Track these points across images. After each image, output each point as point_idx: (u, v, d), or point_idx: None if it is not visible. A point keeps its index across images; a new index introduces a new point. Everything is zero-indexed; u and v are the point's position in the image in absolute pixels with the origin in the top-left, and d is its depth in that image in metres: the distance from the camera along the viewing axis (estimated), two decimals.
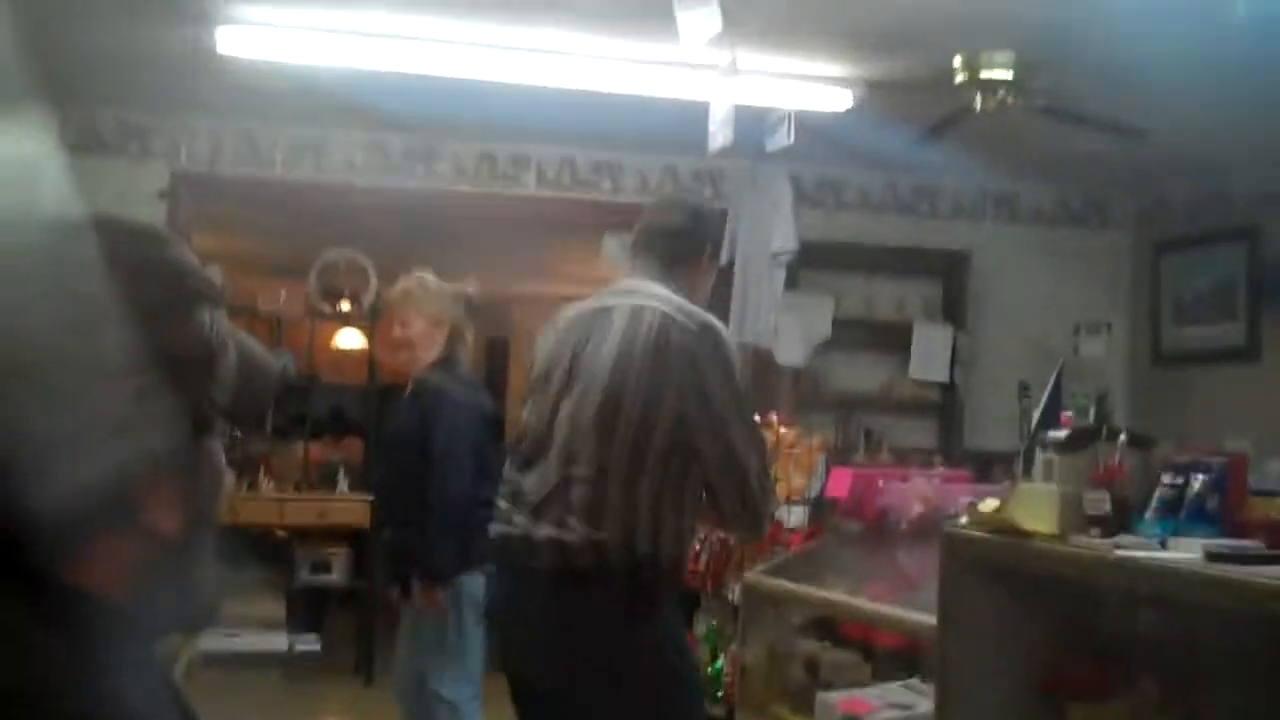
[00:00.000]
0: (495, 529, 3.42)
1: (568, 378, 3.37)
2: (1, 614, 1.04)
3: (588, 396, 3.30)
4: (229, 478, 1.31)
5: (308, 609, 8.55)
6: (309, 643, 8.28)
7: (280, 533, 8.48)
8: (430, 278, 5.13)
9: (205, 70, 5.85)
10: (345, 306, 8.92)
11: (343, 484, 8.73)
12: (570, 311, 3.53)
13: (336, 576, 8.53)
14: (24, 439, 1.03)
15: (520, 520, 3.32)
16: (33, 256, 1.09)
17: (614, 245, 7.69)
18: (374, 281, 8.58)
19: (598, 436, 3.27)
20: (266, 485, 8.45)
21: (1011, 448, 7.37)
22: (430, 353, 5.06)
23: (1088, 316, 7.89)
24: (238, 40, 5.34)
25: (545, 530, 3.26)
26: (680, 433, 3.25)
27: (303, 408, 8.93)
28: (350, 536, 8.50)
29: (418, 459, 4.86)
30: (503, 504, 3.42)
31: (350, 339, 11.45)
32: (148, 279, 1.14)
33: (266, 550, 8.21)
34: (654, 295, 3.38)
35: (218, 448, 1.23)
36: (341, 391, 10.92)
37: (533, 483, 3.35)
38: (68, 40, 5.62)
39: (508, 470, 3.48)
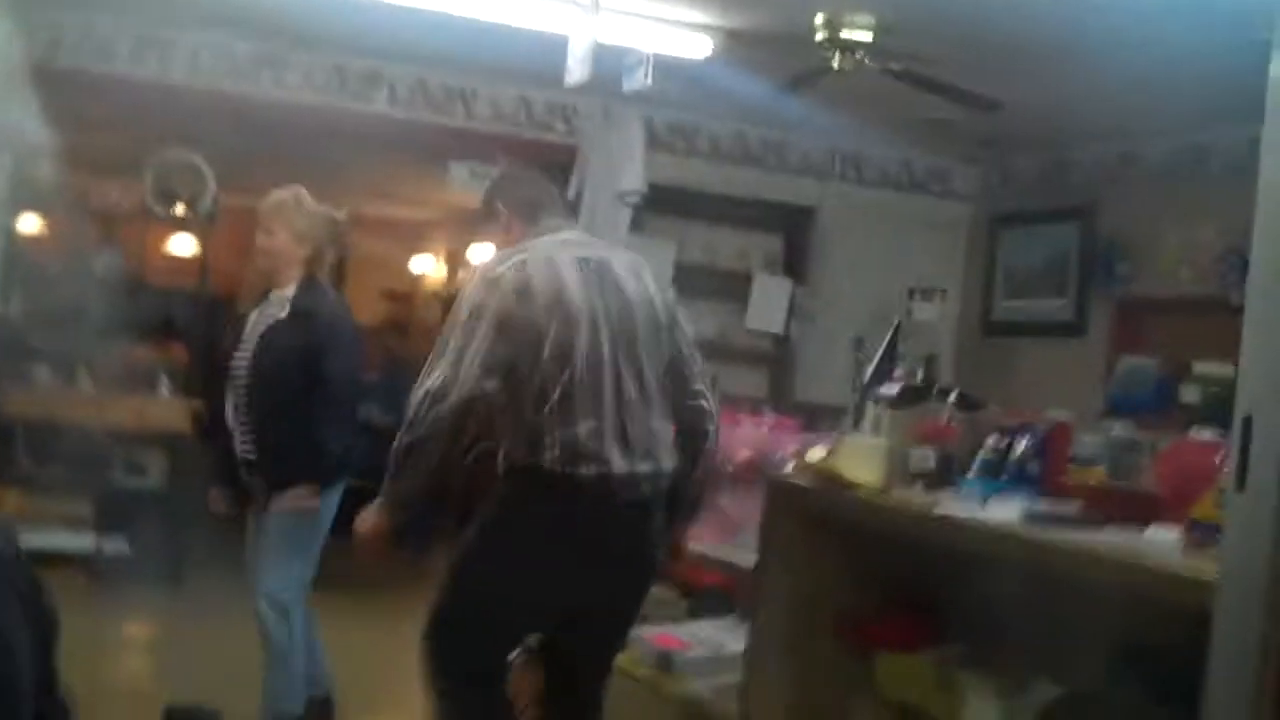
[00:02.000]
0: (590, 469, 3.54)
1: (601, 324, 3.64)
2: None
3: (632, 340, 3.68)
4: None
5: (119, 511, 8.35)
6: (118, 544, 8.10)
7: (95, 433, 8.28)
8: (305, 195, 5.08)
9: None
10: (179, 210, 8.70)
11: (164, 388, 8.56)
12: (559, 263, 3.68)
13: (152, 480, 8.36)
14: None
15: (617, 458, 3.55)
16: None
17: (463, 172, 7.63)
18: (212, 186, 8.39)
19: (646, 375, 3.69)
20: (85, 384, 8.25)
21: (840, 402, 7.49)
22: (291, 269, 5.01)
23: (924, 281, 8.02)
24: None
25: (643, 465, 3.59)
26: (675, 363, 3.79)
27: (127, 308, 8.71)
28: (168, 440, 8.33)
29: (301, 376, 4.87)
30: (589, 443, 3.55)
31: (183, 244, 11.20)
32: None
33: (79, 449, 8.00)
34: (612, 245, 3.99)
35: None
36: (170, 295, 10.68)
37: (607, 421, 3.58)
38: None
39: (563, 409, 3.57)
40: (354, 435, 5.05)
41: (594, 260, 3.74)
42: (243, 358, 4.98)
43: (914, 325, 7.38)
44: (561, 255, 3.70)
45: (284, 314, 4.99)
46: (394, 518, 3.70)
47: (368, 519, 3.74)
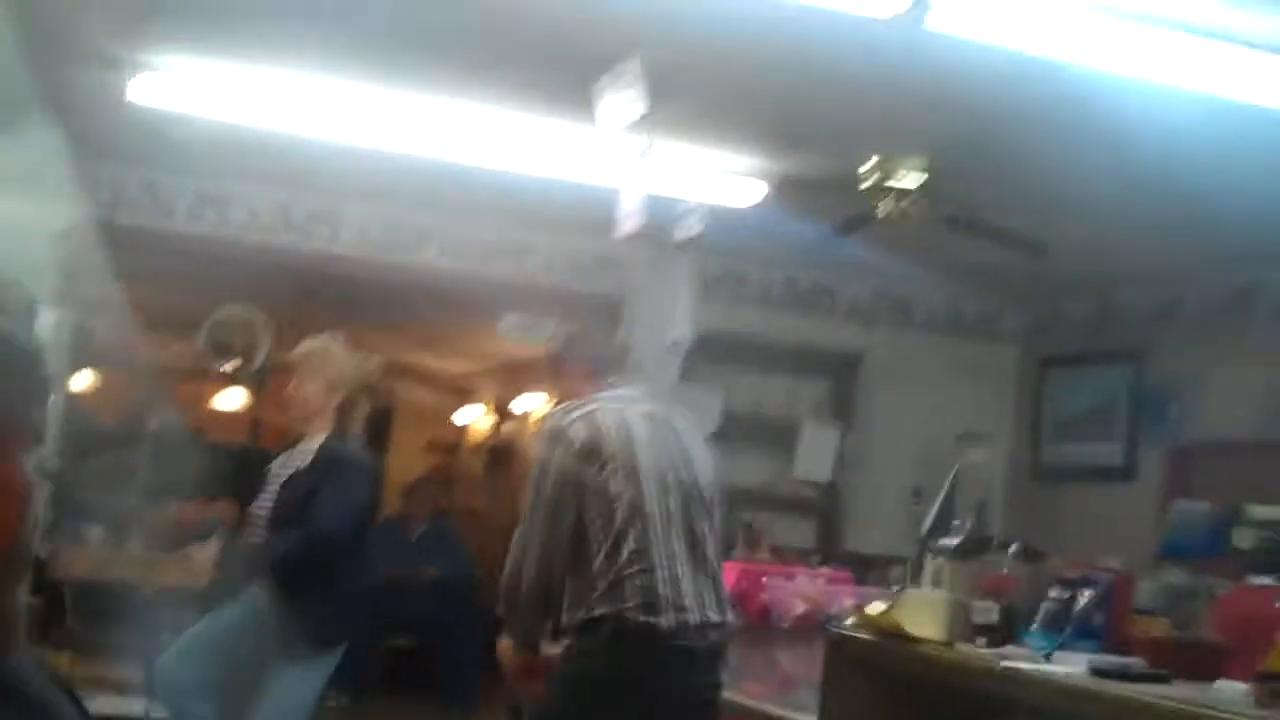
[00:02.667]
0: (668, 618, 3.66)
1: (669, 477, 3.82)
2: None
3: (697, 494, 3.88)
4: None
5: None
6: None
7: (145, 593, 8.25)
8: (336, 343, 5.10)
9: (113, 117, 5.78)
10: (229, 367, 8.77)
11: (213, 545, 8.53)
12: (627, 417, 3.88)
13: None
14: None
15: (692, 606, 3.70)
16: None
17: (514, 324, 7.69)
18: (266, 341, 8.47)
19: (709, 528, 3.89)
20: (136, 543, 8.24)
21: (890, 552, 7.45)
22: (322, 418, 5.01)
23: (973, 426, 7.99)
24: (148, 89, 5.28)
25: (713, 614, 3.75)
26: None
27: (180, 465, 8.74)
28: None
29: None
30: (665, 592, 3.68)
31: (236, 399, 11.27)
32: None
33: (128, 611, 7.97)
34: (670, 402, 4.18)
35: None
36: (223, 451, 10.71)
37: (680, 571, 3.74)
38: None
39: (640, 559, 3.70)
40: (348, 597, 5.04)
41: (658, 415, 3.95)
42: (261, 508, 4.98)
43: (963, 471, 7.34)
44: (629, 410, 3.87)
45: (306, 463, 4.98)
46: (529, 659, 3.90)
47: (506, 652, 3.96)
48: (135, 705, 7.78)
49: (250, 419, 9.18)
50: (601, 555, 3.67)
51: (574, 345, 4.25)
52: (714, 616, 3.74)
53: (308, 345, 5.09)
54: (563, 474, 3.75)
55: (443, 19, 4.46)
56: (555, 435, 3.82)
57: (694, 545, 3.79)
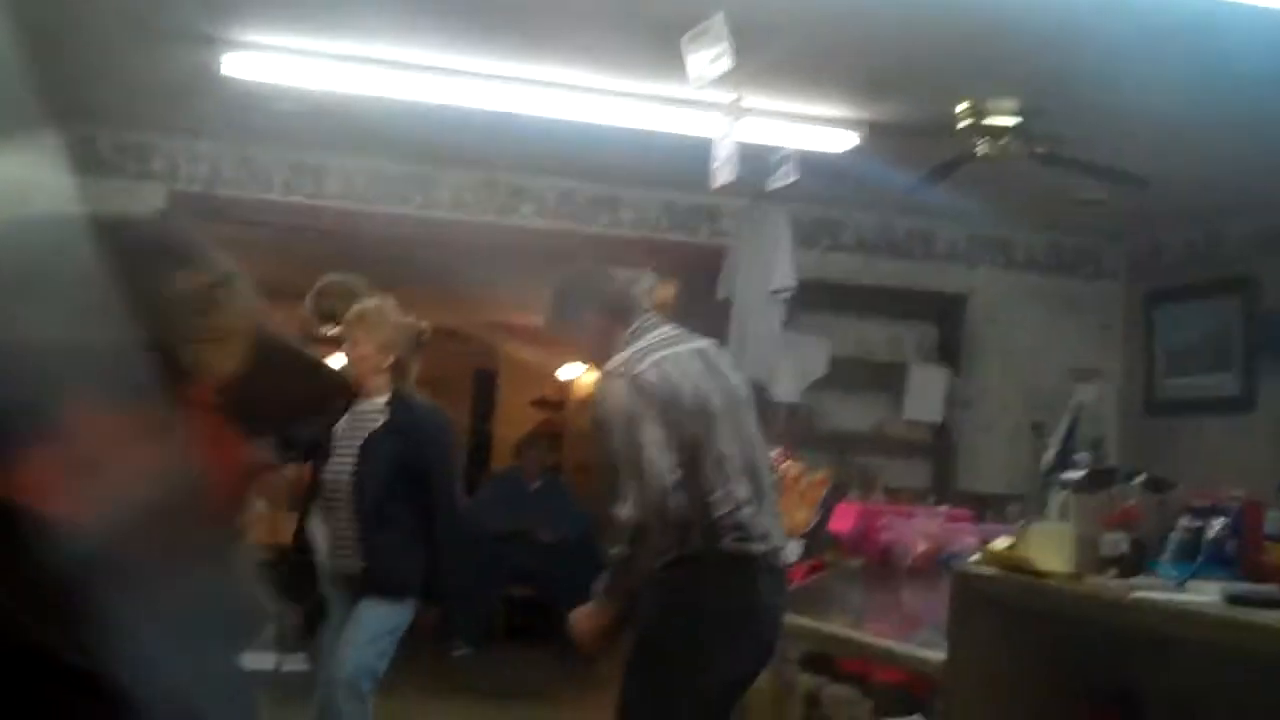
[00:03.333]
0: (760, 545, 3.92)
1: (729, 412, 3.98)
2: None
3: (751, 424, 4.08)
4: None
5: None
6: (297, 662, 8.17)
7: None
8: (389, 305, 5.16)
9: (207, 92, 5.85)
10: (334, 331, 8.85)
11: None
12: (683, 357, 4.02)
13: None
14: None
15: (775, 532, 4.01)
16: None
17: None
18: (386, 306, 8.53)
19: (764, 455, 4.18)
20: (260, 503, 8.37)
21: (1005, 490, 7.40)
22: (376, 378, 5.08)
23: (1081, 363, 7.89)
24: (241, 63, 5.32)
25: (782, 539, 4.11)
26: None
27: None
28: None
29: (406, 486, 5.03)
30: (754, 522, 3.92)
31: (339, 361, 11.40)
32: (119, 243, 1.16)
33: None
34: (695, 335, 4.20)
35: (217, 424, 1.20)
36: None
37: (766, 501, 4.02)
38: (70, 60, 5.60)
39: (730, 487, 3.92)
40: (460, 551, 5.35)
41: (704, 351, 4.10)
42: (341, 469, 5.03)
43: (1075, 408, 7.26)
44: (679, 349, 4.01)
45: (379, 425, 5.03)
46: (613, 615, 3.97)
47: (586, 618, 4.01)
48: (265, 660, 7.95)
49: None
50: (698, 494, 3.84)
51: (586, 296, 4.18)
52: (780, 542, 4.06)
53: (358, 307, 5.13)
54: (657, 422, 3.83)
55: None
56: (636, 388, 3.88)
57: (756, 476, 3.99)
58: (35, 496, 1.10)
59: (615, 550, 3.89)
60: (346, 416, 5.10)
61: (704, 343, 4.16)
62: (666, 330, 4.11)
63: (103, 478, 1.13)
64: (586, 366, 4.41)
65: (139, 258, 1.17)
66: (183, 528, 1.19)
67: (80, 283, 1.11)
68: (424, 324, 5.30)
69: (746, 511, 3.89)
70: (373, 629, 4.96)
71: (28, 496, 1.10)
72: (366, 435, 5.03)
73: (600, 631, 4.00)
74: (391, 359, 5.11)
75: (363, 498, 4.99)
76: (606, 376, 4.01)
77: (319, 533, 5.15)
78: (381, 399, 5.10)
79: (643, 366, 3.92)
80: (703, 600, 3.87)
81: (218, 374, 1.19)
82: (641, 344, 4.00)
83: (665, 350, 3.98)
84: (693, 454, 3.86)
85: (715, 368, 4.06)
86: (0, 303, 1.09)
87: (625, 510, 3.80)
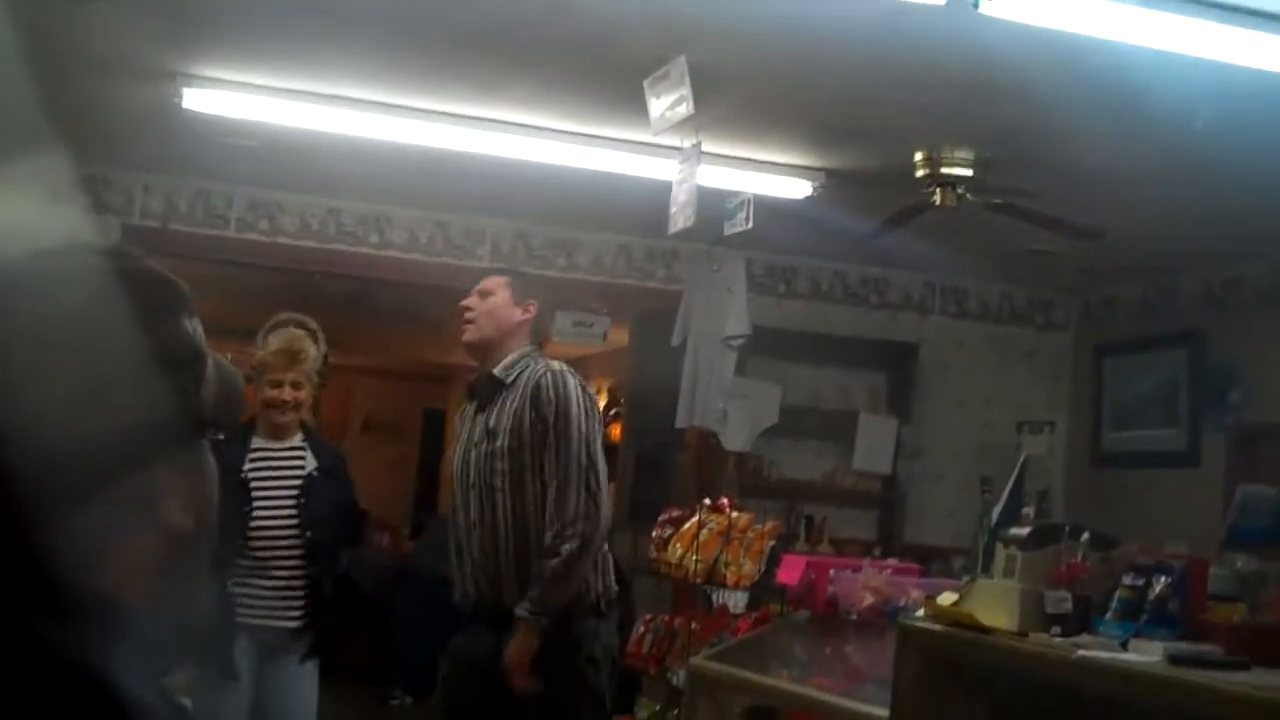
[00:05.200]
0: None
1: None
2: (32, 624, 1.03)
3: None
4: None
5: None
6: None
7: None
8: (316, 337, 4.99)
9: (165, 126, 5.82)
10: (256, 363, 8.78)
11: None
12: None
13: None
14: (42, 445, 1.04)
15: None
16: (19, 280, 1.11)
17: (566, 322, 7.68)
18: (322, 347, 8.49)
19: None
20: None
21: (951, 543, 7.42)
22: (292, 418, 4.88)
23: (1031, 414, 7.95)
24: (201, 98, 5.31)
25: None
26: None
27: None
28: None
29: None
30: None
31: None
32: (135, 288, 1.17)
33: None
34: None
35: (208, 450, 1.25)
36: None
37: None
38: (27, 94, 5.57)
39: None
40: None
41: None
42: (273, 518, 4.75)
43: (1023, 461, 7.29)
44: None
45: (312, 469, 4.82)
46: (540, 636, 3.85)
47: (519, 651, 3.83)
48: None
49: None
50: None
51: (546, 299, 4.39)
52: None
53: (294, 341, 4.91)
54: (598, 432, 4.04)
55: (489, 24, 4.45)
56: (589, 394, 4.07)
57: None
58: (127, 584, 1.11)
59: (555, 559, 3.83)
60: (250, 459, 4.74)
61: None
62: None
63: (177, 549, 1.16)
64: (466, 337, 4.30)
65: (159, 307, 1.18)
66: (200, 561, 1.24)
67: (120, 353, 1.12)
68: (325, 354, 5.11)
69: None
70: (313, 701, 4.77)
71: (120, 585, 1.11)
72: (302, 480, 4.75)
73: (533, 659, 3.84)
74: (315, 393, 4.99)
75: (311, 548, 4.69)
76: (562, 374, 4.01)
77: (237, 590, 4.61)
78: (295, 439, 4.87)
79: (571, 373, 4.05)
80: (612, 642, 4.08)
81: (207, 413, 1.22)
82: (557, 360, 4.14)
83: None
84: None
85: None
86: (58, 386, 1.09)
87: (573, 511, 3.84)
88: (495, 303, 4.18)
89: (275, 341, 4.89)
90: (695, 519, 5.19)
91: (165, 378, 1.14)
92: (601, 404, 12.00)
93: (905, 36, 4.21)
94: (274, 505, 4.68)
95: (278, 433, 4.83)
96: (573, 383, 4.00)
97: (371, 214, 7.27)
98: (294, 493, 4.70)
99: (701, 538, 5.01)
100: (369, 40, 4.74)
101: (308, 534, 4.66)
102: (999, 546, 3.21)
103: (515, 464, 3.95)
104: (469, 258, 7.42)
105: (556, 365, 4.06)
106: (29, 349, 1.07)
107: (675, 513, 5.50)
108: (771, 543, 4.89)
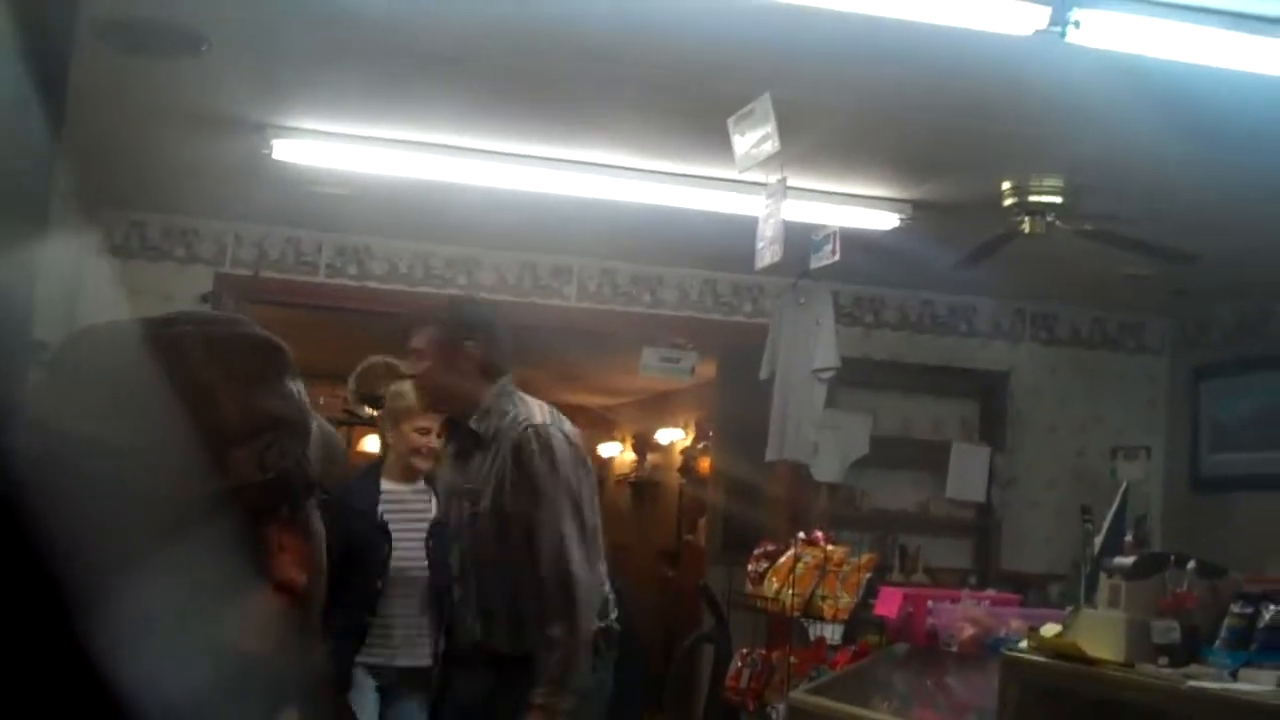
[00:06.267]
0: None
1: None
2: (151, 674, 1.06)
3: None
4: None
5: None
6: None
7: None
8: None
9: (255, 177, 5.92)
10: (374, 413, 8.87)
11: None
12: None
13: None
14: (161, 505, 1.10)
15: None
16: (139, 351, 1.17)
17: (654, 357, 7.71)
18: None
19: None
20: None
21: (1047, 570, 7.34)
22: (420, 463, 4.98)
23: (1125, 439, 7.86)
24: (290, 148, 5.39)
25: None
26: None
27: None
28: None
29: None
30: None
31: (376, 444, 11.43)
32: (243, 353, 1.21)
33: None
34: None
35: (316, 509, 1.28)
36: None
37: None
38: (124, 149, 5.70)
39: (602, 562, 3.94)
40: None
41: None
42: (407, 558, 4.89)
43: (1124, 488, 7.21)
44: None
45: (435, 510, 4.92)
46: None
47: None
48: None
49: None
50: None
51: (491, 334, 4.00)
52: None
53: (405, 386, 4.89)
54: (585, 481, 3.89)
55: (572, 68, 4.48)
56: (573, 444, 3.85)
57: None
58: (251, 639, 1.15)
59: (551, 654, 3.63)
60: (383, 502, 4.88)
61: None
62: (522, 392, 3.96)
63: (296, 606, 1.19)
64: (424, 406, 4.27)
65: (267, 372, 1.22)
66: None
67: (236, 418, 1.16)
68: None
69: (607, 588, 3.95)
70: None
71: (247, 640, 1.14)
72: (430, 522, 4.82)
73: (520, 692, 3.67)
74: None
75: (440, 589, 4.68)
76: (545, 429, 3.79)
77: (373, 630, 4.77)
78: (420, 481, 4.99)
79: (566, 425, 3.88)
80: (605, 677, 3.93)
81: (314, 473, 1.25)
82: (534, 401, 3.91)
83: (547, 408, 3.91)
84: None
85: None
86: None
87: (551, 594, 3.67)
88: (431, 361, 3.95)
89: (412, 389, 4.96)
90: (790, 552, 5.18)
91: (275, 439, 1.17)
92: (689, 438, 12.06)
93: (991, 66, 4.19)
94: (405, 547, 4.81)
95: (409, 476, 4.96)
96: (557, 439, 3.79)
97: (459, 256, 7.35)
98: (422, 534, 4.81)
99: (797, 571, 5.00)
100: (453, 87, 4.79)
101: (437, 575, 4.72)
102: (1102, 576, 3.18)
103: (498, 525, 3.80)
104: (556, 296, 7.47)
105: (539, 416, 3.84)
106: (149, 414, 1.10)
107: (770, 546, 5.49)
108: (868, 575, 4.86)
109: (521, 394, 3.94)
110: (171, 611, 1.07)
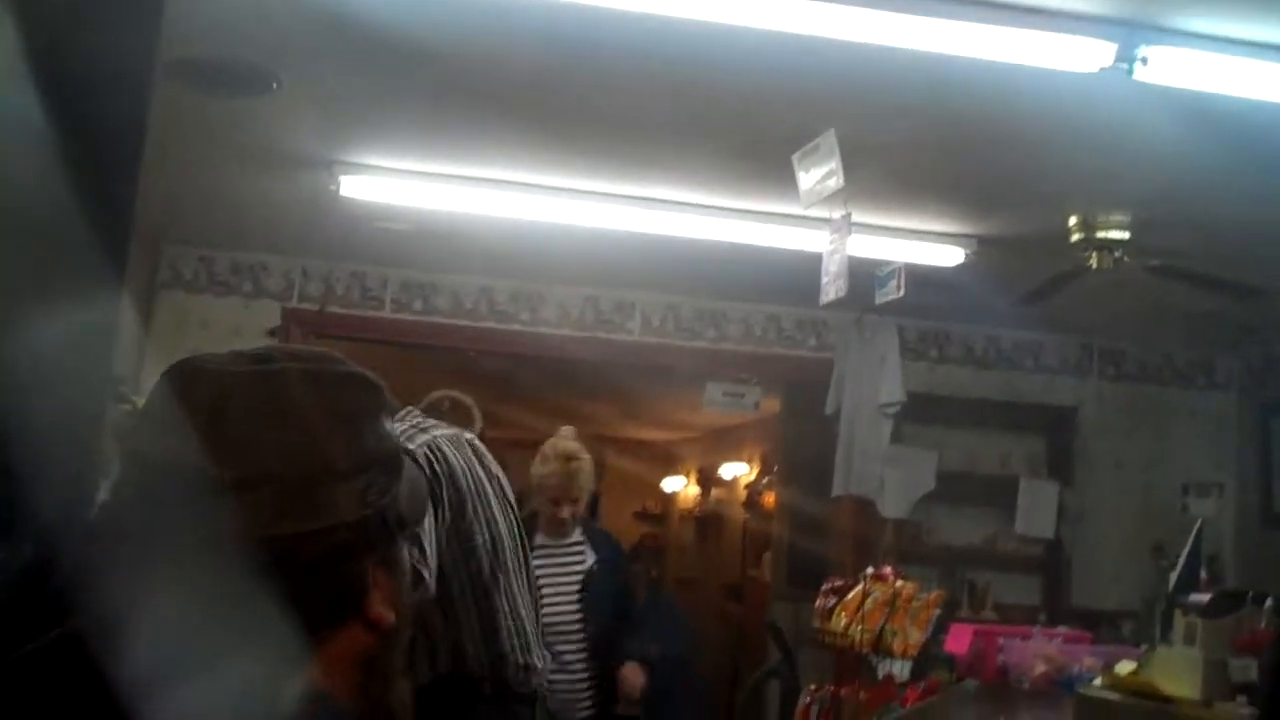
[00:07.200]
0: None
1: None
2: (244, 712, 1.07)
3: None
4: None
5: None
6: None
7: None
8: (580, 449, 5.21)
9: (322, 213, 5.96)
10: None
11: None
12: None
13: None
14: (264, 543, 1.11)
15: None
16: (242, 386, 1.18)
17: (716, 392, 7.71)
18: (479, 423, 8.60)
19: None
20: None
21: (1118, 607, 7.26)
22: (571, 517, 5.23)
23: (1194, 475, 7.78)
24: (356, 185, 5.44)
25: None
26: None
27: None
28: None
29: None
30: None
31: None
32: (346, 391, 1.23)
33: None
34: None
35: (404, 547, 1.28)
36: None
37: None
38: (193, 186, 5.77)
39: None
40: None
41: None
42: (561, 610, 5.11)
43: (1190, 522, 7.13)
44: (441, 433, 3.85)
45: (591, 563, 5.27)
46: None
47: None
48: None
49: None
50: None
51: None
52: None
53: (573, 459, 5.18)
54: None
55: (636, 104, 4.49)
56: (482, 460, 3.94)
57: None
58: (339, 681, 1.16)
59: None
60: (536, 556, 4.93)
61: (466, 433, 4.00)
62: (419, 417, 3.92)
63: (384, 646, 1.20)
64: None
65: (366, 409, 1.23)
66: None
67: (338, 454, 1.17)
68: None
69: None
70: None
71: (335, 682, 1.15)
72: (583, 574, 5.14)
73: None
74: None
75: (596, 640, 5.07)
76: (435, 447, 3.75)
77: None
78: (575, 534, 5.22)
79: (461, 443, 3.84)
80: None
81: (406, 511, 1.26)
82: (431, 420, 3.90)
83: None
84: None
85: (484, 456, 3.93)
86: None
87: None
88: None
89: (553, 460, 5.17)
90: (859, 588, 5.14)
91: (372, 477, 1.18)
92: (754, 473, 12.03)
93: (1056, 101, 4.16)
94: (559, 600, 5.02)
95: (560, 530, 5.21)
96: (453, 460, 3.76)
97: (523, 291, 7.38)
98: (577, 587, 5.08)
99: (866, 606, 4.96)
100: (517, 125, 4.81)
101: (591, 628, 5.03)
102: (1178, 614, 3.15)
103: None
104: (619, 331, 7.48)
105: (439, 430, 3.82)
106: (255, 449, 1.11)
107: (838, 581, 5.46)
108: (937, 611, 4.83)
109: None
110: (264, 645, 1.07)
